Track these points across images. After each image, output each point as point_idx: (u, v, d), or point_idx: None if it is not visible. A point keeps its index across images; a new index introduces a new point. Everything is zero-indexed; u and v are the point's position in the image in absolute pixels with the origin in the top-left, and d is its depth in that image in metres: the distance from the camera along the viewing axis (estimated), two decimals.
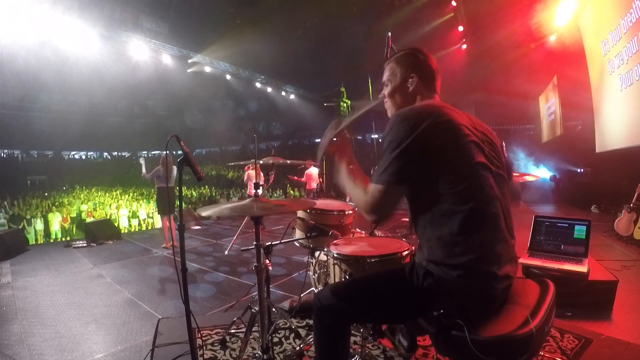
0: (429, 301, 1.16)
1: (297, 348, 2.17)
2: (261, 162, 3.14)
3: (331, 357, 1.32)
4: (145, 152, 29.92)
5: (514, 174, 2.91)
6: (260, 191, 1.88)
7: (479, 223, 1.12)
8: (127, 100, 26.49)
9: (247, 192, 7.60)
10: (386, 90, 1.43)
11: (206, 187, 19.45)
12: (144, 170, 5.88)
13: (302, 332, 2.40)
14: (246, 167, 6.59)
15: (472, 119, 1.29)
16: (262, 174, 3.45)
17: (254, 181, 2.23)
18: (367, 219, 1.24)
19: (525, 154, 12.85)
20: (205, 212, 1.68)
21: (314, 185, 8.98)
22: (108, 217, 12.21)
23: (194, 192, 17.25)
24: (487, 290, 1.11)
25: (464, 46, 14.01)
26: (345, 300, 1.27)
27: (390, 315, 1.32)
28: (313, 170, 8.97)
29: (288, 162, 3.31)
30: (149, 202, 15.06)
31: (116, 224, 10.79)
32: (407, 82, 1.37)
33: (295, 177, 9.18)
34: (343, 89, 12.54)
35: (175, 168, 5.45)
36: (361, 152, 20.37)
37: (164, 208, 5.80)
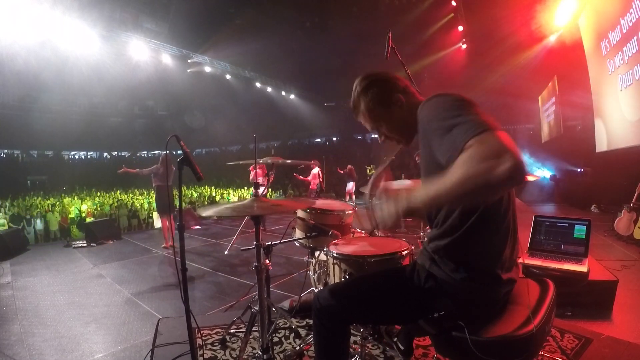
0: (429, 303, 1.16)
1: (297, 348, 2.17)
2: (260, 161, 3.14)
3: (331, 357, 1.31)
4: (145, 152, 29.96)
5: None
6: (260, 190, 1.88)
7: (493, 228, 1.07)
8: (127, 100, 26.52)
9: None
10: (385, 130, 1.26)
11: (206, 186, 19.45)
12: (136, 170, 5.83)
13: (302, 332, 2.40)
14: (251, 167, 6.60)
15: None
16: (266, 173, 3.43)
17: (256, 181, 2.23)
18: (510, 177, 0.71)
19: (526, 154, 12.85)
20: (205, 212, 1.67)
21: (315, 185, 9.08)
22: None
23: (193, 193, 17.24)
24: (489, 293, 1.11)
25: (464, 46, 14.03)
26: (345, 301, 1.26)
27: (390, 316, 1.32)
28: (316, 171, 9.09)
29: (288, 161, 3.31)
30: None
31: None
32: (393, 106, 1.22)
33: (301, 177, 9.24)
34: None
35: (174, 168, 5.44)
36: (362, 152, 20.39)
37: (164, 208, 5.80)
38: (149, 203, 13.91)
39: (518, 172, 0.72)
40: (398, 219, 0.95)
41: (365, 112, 1.25)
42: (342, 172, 11.36)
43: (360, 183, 10.31)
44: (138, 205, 13.86)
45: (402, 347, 1.64)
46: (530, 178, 3.20)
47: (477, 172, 0.74)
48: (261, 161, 3.13)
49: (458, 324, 1.07)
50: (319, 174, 9.16)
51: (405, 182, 2.28)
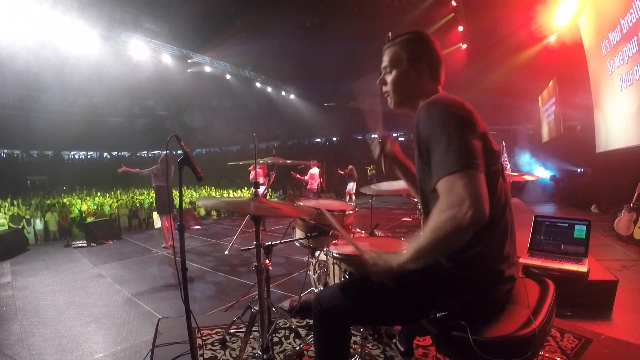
0: (431, 302, 1.15)
1: (297, 348, 2.17)
2: (261, 161, 3.14)
3: (331, 359, 1.30)
4: (145, 152, 29.94)
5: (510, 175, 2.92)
6: (261, 190, 1.88)
7: (493, 226, 1.06)
8: (127, 100, 26.48)
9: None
10: (388, 77, 1.27)
11: (206, 187, 19.45)
12: (136, 170, 5.86)
13: (302, 331, 2.40)
14: (251, 167, 6.60)
15: None
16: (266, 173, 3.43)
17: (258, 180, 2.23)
18: (471, 223, 0.89)
19: (526, 154, 12.86)
20: (202, 202, 1.68)
21: (315, 185, 9.06)
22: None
23: (193, 193, 17.24)
24: (492, 292, 1.11)
25: (464, 46, 14.03)
26: (346, 302, 1.25)
27: (391, 316, 1.30)
28: (315, 171, 9.07)
29: (288, 162, 3.31)
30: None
31: None
32: (414, 71, 1.23)
33: (298, 176, 9.24)
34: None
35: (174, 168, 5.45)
36: (362, 152, 20.38)
37: (164, 208, 5.81)
38: (150, 202, 13.92)
39: (479, 217, 0.89)
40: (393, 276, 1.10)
41: (392, 55, 1.27)
42: (342, 172, 11.37)
43: (360, 183, 10.31)
44: (138, 204, 13.86)
45: (402, 349, 1.63)
46: (529, 178, 3.21)
47: (445, 228, 0.92)
48: (262, 161, 3.12)
49: (460, 323, 1.07)
50: (318, 174, 9.15)
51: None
